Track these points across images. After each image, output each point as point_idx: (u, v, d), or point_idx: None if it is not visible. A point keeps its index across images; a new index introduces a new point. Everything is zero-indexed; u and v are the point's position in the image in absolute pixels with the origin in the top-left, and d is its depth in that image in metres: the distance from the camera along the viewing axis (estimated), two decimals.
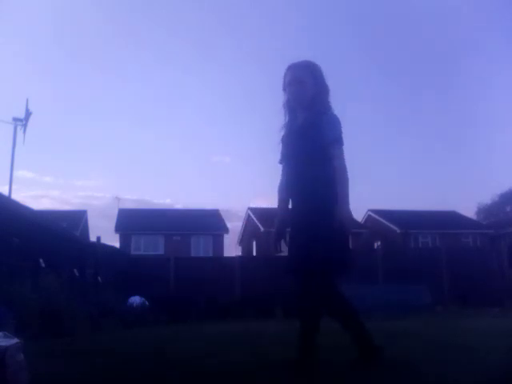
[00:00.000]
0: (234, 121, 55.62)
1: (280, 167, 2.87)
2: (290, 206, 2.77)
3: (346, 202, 2.53)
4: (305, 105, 2.73)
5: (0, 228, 6.82)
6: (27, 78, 44.23)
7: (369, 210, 30.71)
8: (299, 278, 2.61)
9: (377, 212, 29.98)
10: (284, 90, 2.80)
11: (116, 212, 29.67)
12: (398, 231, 27.13)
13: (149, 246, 26.81)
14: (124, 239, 26.98)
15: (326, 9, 50.46)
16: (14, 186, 13.67)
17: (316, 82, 2.72)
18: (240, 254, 29.87)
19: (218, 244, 28.54)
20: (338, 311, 2.65)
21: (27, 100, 13.22)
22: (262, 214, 28.64)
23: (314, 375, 2.35)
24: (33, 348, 2.49)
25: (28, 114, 12.98)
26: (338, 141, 2.62)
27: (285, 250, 2.75)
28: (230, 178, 57.20)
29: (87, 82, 50.52)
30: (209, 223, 28.94)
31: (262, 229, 27.28)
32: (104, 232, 35.70)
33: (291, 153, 2.73)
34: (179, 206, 47.93)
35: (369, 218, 30.69)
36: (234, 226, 32.23)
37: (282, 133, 2.84)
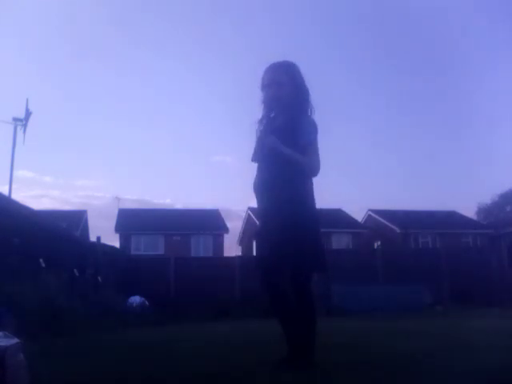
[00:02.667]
0: (235, 120, 55.60)
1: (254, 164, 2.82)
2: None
3: (285, 154, 2.59)
4: (281, 107, 2.73)
5: (0, 228, 6.82)
6: (27, 78, 44.24)
7: (369, 210, 30.72)
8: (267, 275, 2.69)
9: (377, 212, 29.98)
10: (262, 90, 2.78)
11: (116, 212, 29.68)
12: (398, 231, 27.13)
13: (149, 246, 26.80)
14: (124, 239, 26.97)
15: (326, 9, 50.49)
16: (14, 186, 13.67)
17: (294, 84, 2.72)
18: (240, 254, 29.86)
19: (218, 244, 28.54)
20: (303, 308, 2.61)
21: (27, 100, 13.23)
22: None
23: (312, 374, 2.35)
24: (33, 348, 2.49)
25: (28, 113, 12.99)
26: (311, 144, 2.64)
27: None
28: (230, 178, 57.22)
29: (87, 81, 50.56)
30: (209, 223, 28.94)
31: None
32: (104, 232, 35.65)
33: (266, 153, 2.67)
34: (179, 205, 47.92)
35: (369, 218, 30.69)
36: (234, 226, 32.22)
37: (257, 128, 2.84)
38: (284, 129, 2.66)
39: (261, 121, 2.83)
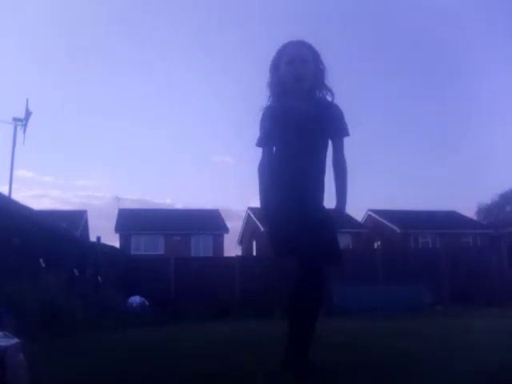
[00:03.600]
0: (235, 120, 55.61)
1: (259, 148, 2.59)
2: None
3: (346, 198, 2.50)
4: (305, 90, 2.48)
5: (0, 228, 6.82)
6: (27, 78, 44.24)
7: (369, 210, 30.71)
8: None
9: (377, 212, 29.97)
10: (275, 69, 2.49)
11: (116, 212, 29.68)
12: (398, 231, 27.13)
13: (149, 246, 26.80)
14: (124, 239, 26.97)
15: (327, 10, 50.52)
16: (14, 186, 13.69)
17: (317, 64, 2.48)
18: (240, 254, 29.87)
19: (218, 244, 28.54)
20: (313, 301, 2.44)
21: (27, 100, 13.25)
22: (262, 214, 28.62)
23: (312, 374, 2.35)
24: (33, 348, 2.49)
25: (28, 113, 13.00)
26: (346, 135, 2.52)
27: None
28: (230, 178, 57.22)
29: (87, 81, 50.56)
30: (209, 223, 28.94)
31: (262, 229, 27.27)
32: (104, 232, 35.67)
33: (293, 139, 2.45)
34: (179, 205, 47.93)
35: (369, 218, 30.69)
36: (234, 226, 32.24)
37: (265, 113, 2.53)
38: (314, 117, 2.45)
39: (276, 109, 2.51)
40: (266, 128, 2.50)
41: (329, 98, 2.54)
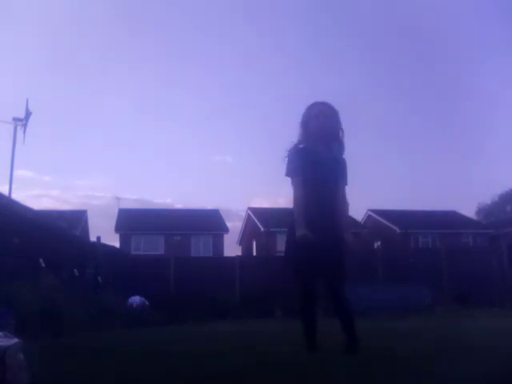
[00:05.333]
0: (236, 120, 55.63)
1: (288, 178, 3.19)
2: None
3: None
4: (327, 138, 3.16)
5: (0, 228, 6.82)
6: (27, 78, 44.23)
7: (369, 210, 30.72)
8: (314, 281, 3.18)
9: (377, 212, 29.98)
10: (305, 122, 3.16)
11: (116, 212, 29.69)
12: (398, 231, 27.14)
13: (149, 246, 26.81)
14: (124, 239, 26.99)
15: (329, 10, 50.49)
16: (14, 186, 13.68)
17: (337, 121, 3.18)
18: (240, 253, 29.87)
19: (218, 244, 28.55)
20: (346, 311, 3.24)
21: (27, 100, 13.25)
22: (262, 214, 28.66)
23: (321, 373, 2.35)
24: (33, 348, 2.49)
25: (28, 114, 13.01)
26: (346, 185, 3.24)
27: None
28: (230, 178, 57.22)
29: (87, 81, 50.55)
30: (209, 223, 28.96)
31: (262, 229, 27.28)
32: (104, 232, 35.66)
33: (321, 176, 3.09)
34: (179, 205, 47.91)
35: (369, 218, 30.70)
36: (234, 226, 32.23)
37: (296, 150, 3.16)
38: (336, 161, 3.17)
39: (304, 151, 3.16)
40: (298, 162, 3.11)
41: (341, 151, 3.23)
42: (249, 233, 30.95)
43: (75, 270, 9.43)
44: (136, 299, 10.87)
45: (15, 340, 2.03)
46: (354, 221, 29.09)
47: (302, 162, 3.11)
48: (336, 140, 3.19)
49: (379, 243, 27.66)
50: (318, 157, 3.13)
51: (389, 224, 28.11)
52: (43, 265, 7.71)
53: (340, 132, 3.19)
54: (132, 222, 27.69)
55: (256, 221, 28.49)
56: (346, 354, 2.92)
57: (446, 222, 27.70)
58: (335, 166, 3.16)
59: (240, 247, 33.02)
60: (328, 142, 3.19)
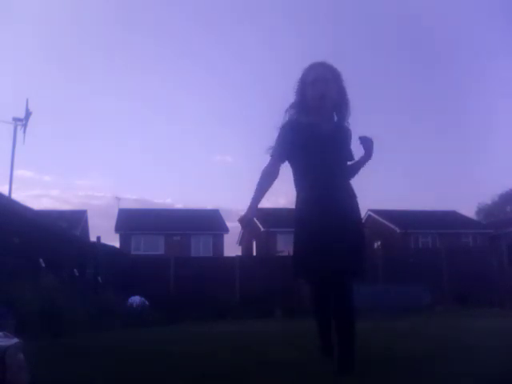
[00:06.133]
0: (236, 120, 55.64)
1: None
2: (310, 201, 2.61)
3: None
4: (328, 107, 2.65)
5: (0, 228, 6.82)
6: (27, 78, 44.24)
7: (369, 210, 30.67)
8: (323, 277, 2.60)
9: (377, 212, 29.95)
10: (300, 89, 2.66)
11: (116, 212, 29.68)
12: (398, 231, 27.12)
13: (149, 246, 26.80)
14: (124, 239, 26.97)
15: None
16: (14, 186, 13.69)
17: (339, 90, 2.66)
18: (240, 253, 29.87)
19: (218, 244, 28.54)
20: (347, 318, 2.55)
21: (27, 100, 13.25)
22: (262, 214, 28.65)
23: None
24: (33, 348, 2.49)
25: (28, 113, 13.01)
26: (352, 160, 2.77)
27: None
28: (230, 178, 57.22)
29: (87, 81, 50.54)
30: (209, 223, 28.94)
31: (262, 229, 27.28)
32: (104, 232, 35.70)
33: (321, 155, 2.60)
34: (179, 205, 47.92)
35: (369, 218, 30.67)
36: (234, 225, 32.19)
37: (287, 126, 2.66)
38: (338, 137, 2.67)
39: (300, 116, 2.67)
40: (284, 142, 2.62)
41: (347, 119, 2.71)
42: (249, 233, 30.96)
43: (75, 270, 9.43)
44: (136, 299, 10.86)
45: (15, 340, 2.03)
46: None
47: (293, 139, 2.61)
48: (339, 111, 2.68)
49: (379, 243, 27.63)
50: (315, 131, 2.62)
51: (389, 224, 28.09)
52: (43, 265, 7.71)
53: (344, 100, 2.67)
54: (132, 221, 27.68)
55: (256, 221, 28.49)
56: (339, 371, 2.35)
57: (446, 222, 27.69)
58: (337, 138, 2.65)
59: (240, 247, 33.02)
60: (328, 112, 2.68)
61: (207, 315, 10.21)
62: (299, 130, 2.62)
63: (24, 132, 12.91)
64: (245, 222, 2.63)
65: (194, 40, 51.32)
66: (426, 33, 52.01)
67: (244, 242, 32.26)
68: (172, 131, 54.57)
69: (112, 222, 28.45)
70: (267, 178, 2.64)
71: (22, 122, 12.96)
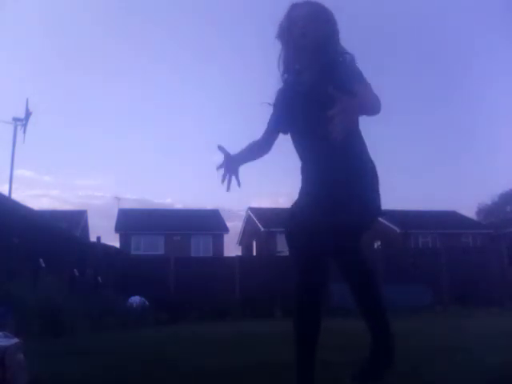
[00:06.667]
0: (235, 120, 55.63)
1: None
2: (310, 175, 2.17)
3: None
4: (315, 49, 2.04)
5: (0, 228, 6.82)
6: (27, 78, 44.22)
7: None
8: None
9: None
10: (282, 33, 2.12)
11: (116, 212, 29.69)
12: (398, 231, 27.13)
13: (149, 246, 26.81)
14: (124, 239, 26.98)
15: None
16: (14, 186, 13.68)
17: (326, 24, 2.06)
18: (240, 253, 29.88)
19: (218, 244, 28.55)
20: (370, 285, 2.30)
21: (27, 100, 13.23)
22: (262, 214, 28.66)
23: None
24: (33, 348, 2.49)
25: (28, 114, 13.00)
26: (360, 82, 1.98)
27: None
28: None
29: (87, 81, 50.54)
30: (209, 223, 28.95)
31: (262, 229, 27.29)
32: (104, 232, 35.70)
33: (302, 115, 2.10)
34: (179, 205, 47.88)
35: None
36: (234, 226, 32.23)
37: (275, 97, 2.25)
38: (325, 82, 1.88)
39: (285, 81, 2.19)
40: (272, 114, 2.24)
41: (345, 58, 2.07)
42: (249, 233, 30.95)
43: (75, 270, 9.43)
44: (136, 299, 10.87)
45: (15, 340, 2.03)
46: None
47: (278, 111, 2.20)
48: (329, 53, 2.05)
49: (379, 243, 27.65)
50: (300, 89, 2.10)
51: (389, 224, 28.10)
52: (43, 265, 7.71)
53: (333, 40, 2.06)
54: (132, 222, 27.69)
55: (256, 221, 28.50)
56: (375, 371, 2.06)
57: (446, 222, 27.70)
58: (322, 92, 1.83)
59: (240, 247, 33.04)
60: (317, 58, 2.06)
61: (207, 315, 10.21)
62: (285, 92, 2.18)
63: (24, 132, 12.90)
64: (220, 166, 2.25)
65: (194, 40, 51.37)
66: (425, 33, 52.03)
67: (244, 242, 32.28)
68: (172, 131, 54.59)
69: (112, 222, 28.48)
70: (252, 145, 2.28)
71: (22, 121, 12.95)
